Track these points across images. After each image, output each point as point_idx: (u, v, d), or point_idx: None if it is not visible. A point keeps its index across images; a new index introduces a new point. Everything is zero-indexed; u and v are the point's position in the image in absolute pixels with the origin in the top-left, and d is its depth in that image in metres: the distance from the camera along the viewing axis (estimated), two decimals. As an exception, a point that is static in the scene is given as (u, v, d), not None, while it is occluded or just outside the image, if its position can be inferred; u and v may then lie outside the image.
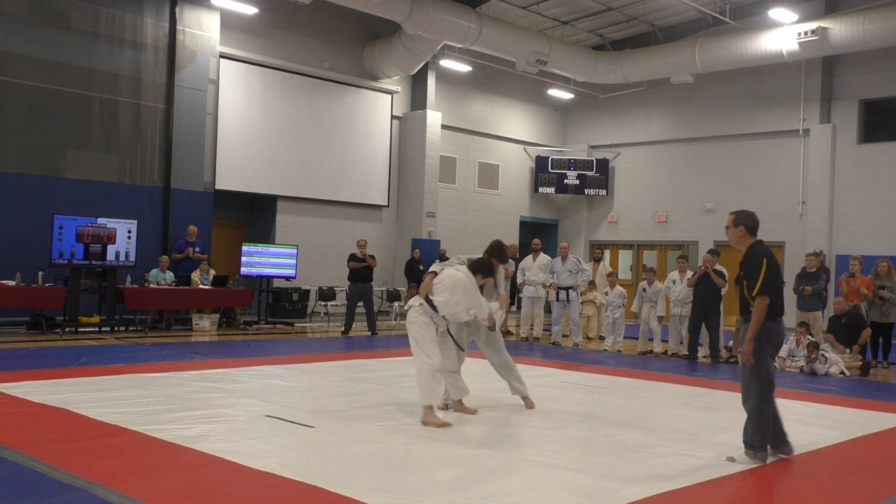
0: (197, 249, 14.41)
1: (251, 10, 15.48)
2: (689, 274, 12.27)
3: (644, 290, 12.72)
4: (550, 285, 13.83)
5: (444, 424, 6.26)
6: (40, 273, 12.18)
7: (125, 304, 12.74)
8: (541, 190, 22.24)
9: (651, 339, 12.70)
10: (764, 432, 5.45)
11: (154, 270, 13.60)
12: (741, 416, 7.31)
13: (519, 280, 14.33)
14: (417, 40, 17.06)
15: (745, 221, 5.69)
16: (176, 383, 7.85)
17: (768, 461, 5.45)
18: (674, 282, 12.46)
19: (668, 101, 21.00)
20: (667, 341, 12.68)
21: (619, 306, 13.09)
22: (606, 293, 13.38)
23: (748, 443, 5.47)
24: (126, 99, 14.23)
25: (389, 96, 18.91)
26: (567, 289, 13.51)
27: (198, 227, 14.62)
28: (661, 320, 12.62)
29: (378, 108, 18.73)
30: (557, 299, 13.64)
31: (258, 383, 8.31)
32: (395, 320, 16.99)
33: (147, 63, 14.45)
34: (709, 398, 8.38)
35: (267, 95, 16.73)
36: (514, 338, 14.40)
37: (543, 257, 14.32)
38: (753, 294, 5.46)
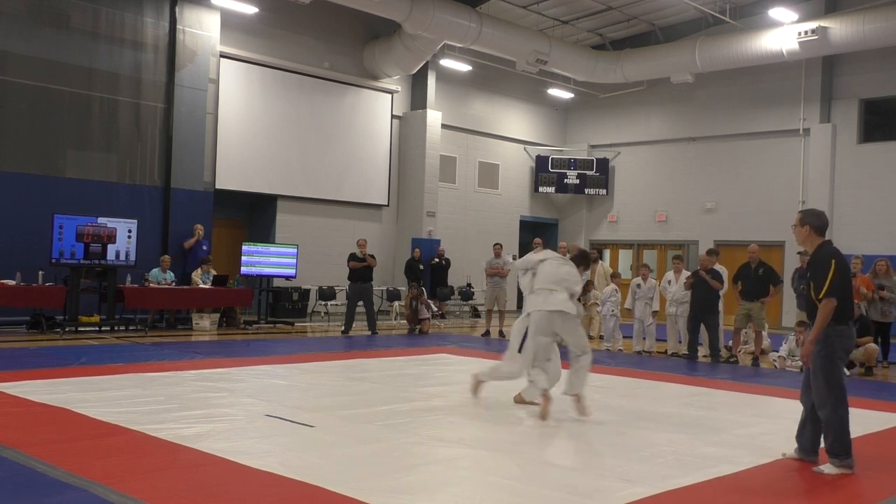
0: (204, 247, 14.47)
1: (251, 10, 15.48)
2: (685, 274, 12.28)
3: (638, 286, 12.73)
4: None
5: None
6: (40, 273, 12.18)
7: (125, 304, 12.74)
8: (541, 189, 22.24)
9: (645, 338, 12.70)
10: (844, 439, 5.21)
11: (155, 270, 13.60)
12: (740, 416, 7.33)
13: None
14: (417, 40, 17.06)
15: (811, 220, 5.45)
16: (176, 383, 7.86)
17: (854, 468, 5.24)
18: (669, 282, 12.47)
19: (668, 101, 21.00)
20: (662, 340, 12.69)
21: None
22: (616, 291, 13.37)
23: (830, 451, 5.24)
24: (126, 99, 14.23)
25: (389, 96, 18.91)
26: None
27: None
28: (655, 316, 12.61)
29: (378, 108, 18.73)
30: None
31: (258, 383, 8.31)
32: (394, 320, 17.00)
33: (147, 63, 14.45)
34: (709, 398, 8.38)
35: (267, 95, 16.73)
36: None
37: None
38: (820, 296, 5.17)
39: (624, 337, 13.42)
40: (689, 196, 20.66)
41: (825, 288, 5.16)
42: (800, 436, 5.56)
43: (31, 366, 8.67)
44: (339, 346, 12.24)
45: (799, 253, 12.74)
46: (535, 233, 21.28)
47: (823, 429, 5.27)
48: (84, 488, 4.28)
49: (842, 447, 5.20)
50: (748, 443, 6.12)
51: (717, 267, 11.93)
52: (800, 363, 10.94)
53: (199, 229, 14.48)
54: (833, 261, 5.23)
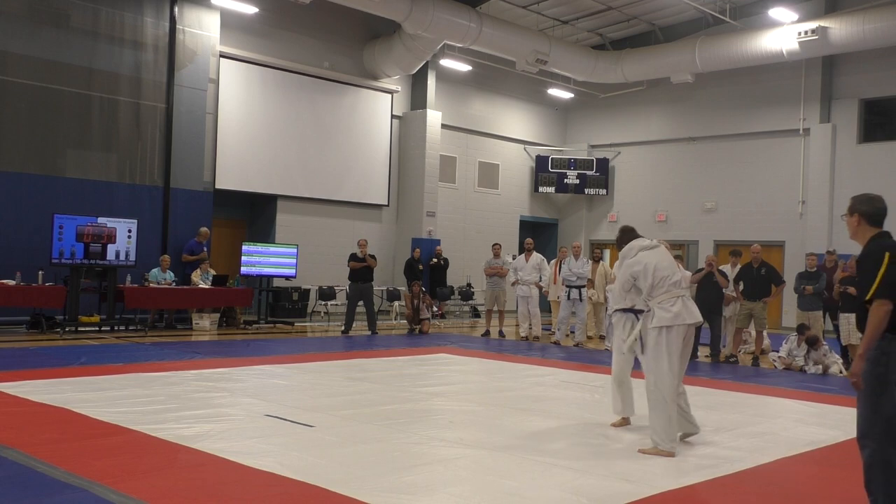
0: (205, 250, 14.53)
1: (251, 10, 15.48)
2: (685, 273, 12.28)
3: None
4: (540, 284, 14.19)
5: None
6: (40, 272, 12.17)
7: (125, 304, 12.73)
8: (541, 189, 22.23)
9: None
10: (891, 486, 3.98)
11: (154, 270, 13.60)
12: (740, 416, 7.31)
13: (511, 280, 14.39)
14: (417, 40, 17.06)
15: (861, 207, 4.37)
16: (176, 383, 7.86)
17: None
18: None
19: (668, 101, 21.00)
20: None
21: None
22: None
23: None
24: (126, 98, 14.22)
25: (389, 96, 18.91)
26: (579, 288, 13.41)
27: (198, 226, 14.65)
28: None
29: (378, 108, 18.73)
30: (569, 298, 13.50)
31: (258, 383, 8.31)
32: (394, 320, 17.00)
33: (147, 62, 14.45)
34: (709, 398, 8.37)
35: (267, 95, 16.72)
36: (514, 337, 14.41)
37: (536, 257, 14.36)
38: (867, 297, 4.07)
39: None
40: (689, 196, 20.66)
41: (873, 287, 4.05)
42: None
43: (31, 366, 8.67)
44: (339, 346, 12.24)
45: (809, 254, 12.72)
46: (535, 233, 21.33)
47: (865, 473, 4.06)
48: (84, 488, 4.28)
49: (887, 498, 4.00)
50: (748, 443, 6.12)
51: (724, 267, 11.96)
52: (800, 363, 10.97)
53: (204, 236, 14.51)
54: (887, 254, 4.10)
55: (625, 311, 6.70)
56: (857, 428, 4.11)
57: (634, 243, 6.07)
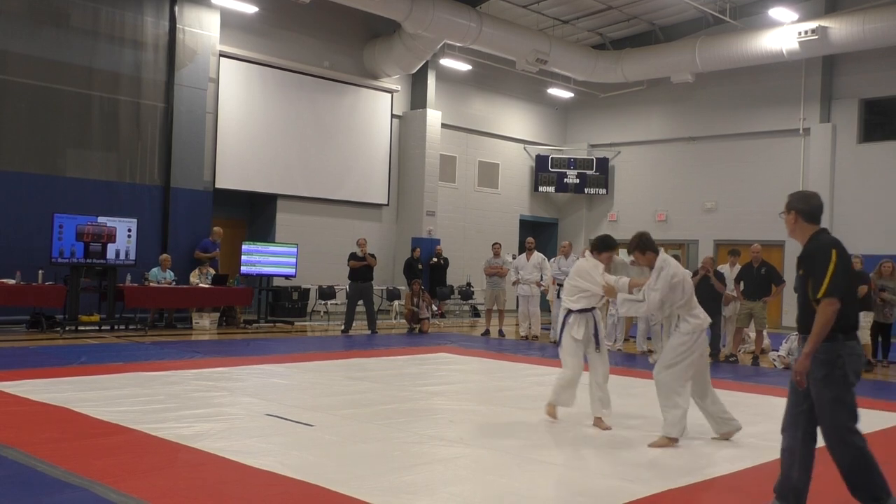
0: (217, 250, 14.58)
1: (251, 9, 15.48)
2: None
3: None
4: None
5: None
6: (40, 272, 12.17)
7: (125, 303, 12.73)
8: (541, 189, 22.24)
9: (649, 338, 12.69)
10: (872, 475, 4.05)
11: (154, 269, 13.60)
12: (740, 416, 7.28)
13: (512, 279, 14.40)
14: (417, 39, 17.06)
15: (798, 205, 4.40)
16: (176, 382, 7.86)
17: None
18: None
19: (668, 101, 21.00)
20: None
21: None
22: None
23: (873, 498, 4.08)
24: (126, 98, 14.22)
25: (389, 95, 18.91)
26: None
27: (198, 226, 14.68)
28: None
29: (378, 107, 18.73)
30: (558, 296, 13.51)
31: (258, 382, 8.31)
32: (394, 319, 16.99)
33: (147, 62, 14.44)
34: (709, 397, 8.36)
35: (267, 94, 16.72)
36: (514, 337, 14.41)
37: (537, 256, 14.36)
38: (818, 295, 3.99)
39: (630, 337, 13.42)
40: (689, 196, 20.66)
41: (825, 284, 3.98)
42: (784, 485, 4.31)
43: (31, 365, 8.68)
44: (339, 346, 12.24)
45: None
46: (535, 232, 21.27)
47: (847, 475, 4.13)
48: (84, 487, 4.28)
49: (877, 488, 4.06)
50: (748, 443, 6.12)
51: (722, 268, 11.96)
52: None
53: (218, 235, 14.60)
54: (834, 251, 4.09)
55: (582, 311, 6.75)
56: (825, 437, 4.16)
57: (666, 256, 6.17)
